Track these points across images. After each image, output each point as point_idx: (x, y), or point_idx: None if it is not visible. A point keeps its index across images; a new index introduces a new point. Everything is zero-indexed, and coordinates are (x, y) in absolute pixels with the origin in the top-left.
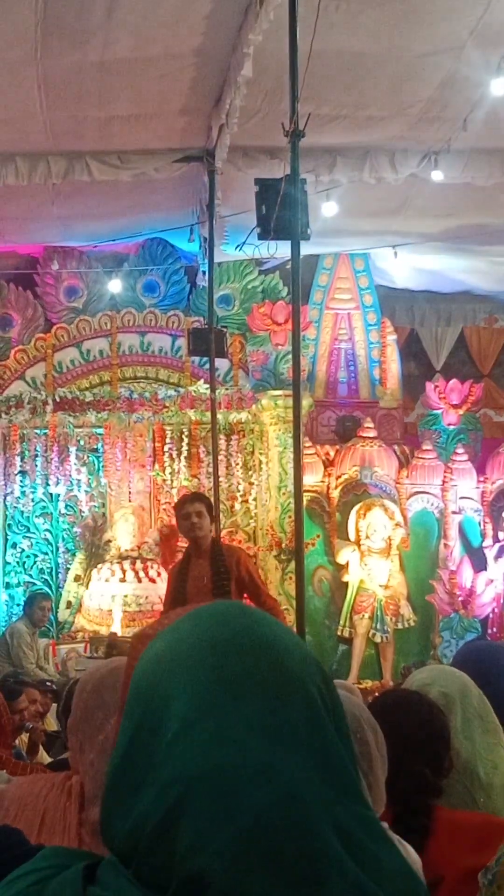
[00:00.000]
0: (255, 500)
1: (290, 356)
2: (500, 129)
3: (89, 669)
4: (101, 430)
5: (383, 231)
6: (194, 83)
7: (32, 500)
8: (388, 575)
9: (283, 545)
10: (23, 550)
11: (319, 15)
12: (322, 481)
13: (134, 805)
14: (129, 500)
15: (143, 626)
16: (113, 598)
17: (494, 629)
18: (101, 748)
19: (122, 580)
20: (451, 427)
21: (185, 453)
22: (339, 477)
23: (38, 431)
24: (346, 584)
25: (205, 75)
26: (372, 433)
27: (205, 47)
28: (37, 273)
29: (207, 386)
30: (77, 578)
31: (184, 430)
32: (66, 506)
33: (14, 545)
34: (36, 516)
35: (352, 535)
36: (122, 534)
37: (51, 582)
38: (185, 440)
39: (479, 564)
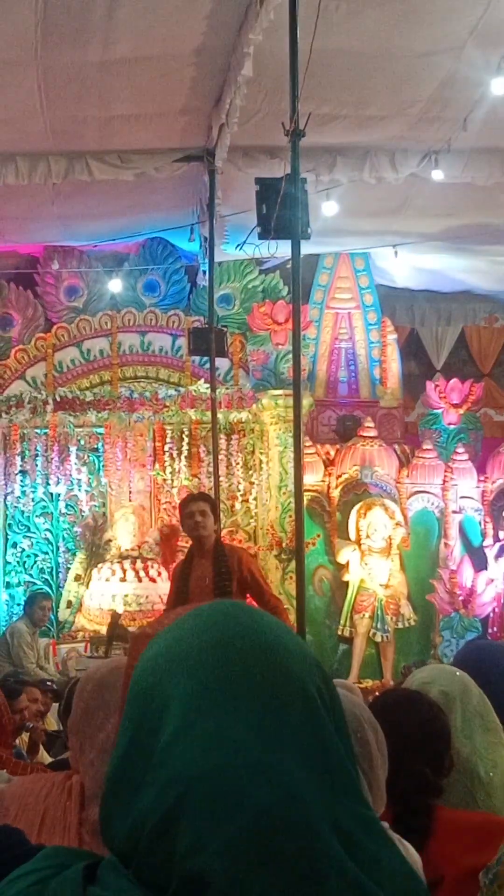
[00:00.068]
0: (255, 499)
1: (290, 355)
2: (501, 128)
3: (90, 669)
4: (101, 430)
5: (384, 231)
6: (194, 83)
7: (33, 500)
8: (388, 574)
9: (284, 545)
10: (23, 550)
11: (320, 14)
12: (322, 481)
13: (133, 805)
14: (130, 500)
15: (143, 626)
16: (113, 598)
17: (495, 629)
18: (101, 748)
19: (123, 580)
20: (452, 426)
21: (185, 453)
22: (340, 476)
23: (38, 431)
24: (347, 583)
25: (205, 75)
26: (372, 433)
27: (205, 47)
28: (37, 273)
29: (208, 385)
30: (77, 578)
31: (184, 429)
32: (67, 505)
33: (14, 545)
34: (36, 516)
35: (352, 535)
36: (123, 533)
37: (51, 581)
38: (186, 440)
39: (480, 564)
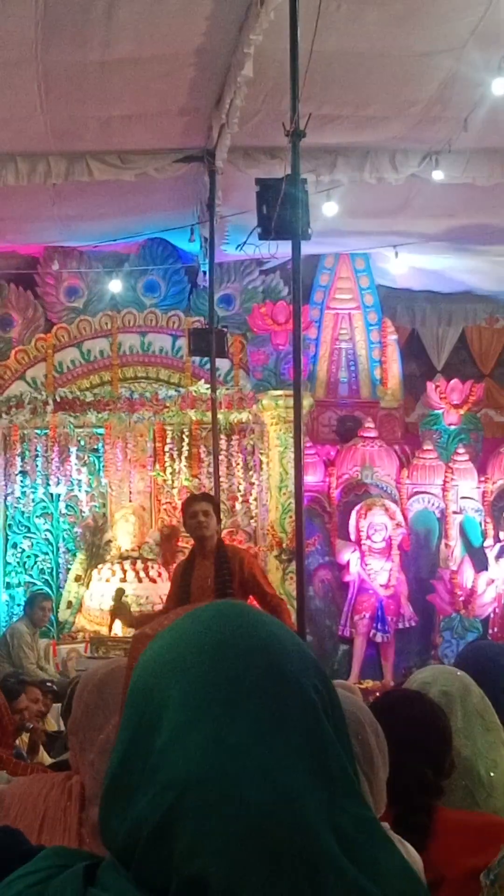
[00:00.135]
0: (255, 500)
1: (290, 356)
2: (501, 129)
3: (90, 669)
4: (101, 431)
5: (384, 231)
6: (195, 83)
7: (33, 501)
8: (388, 575)
9: (284, 545)
10: (23, 550)
11: (320, 15)
12: (323, 481)
13: (132, 806)
14: (130, 501)
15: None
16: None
17: (495, 629)
18: (101, 748)
19: (123, 580)
20: (452, 427)
21: (185, 453)
22: (340, 477)
23: (38, 432)
24: (347, 583)
25: (205, 75)
26: (373, 433)
27: (205, 47)
28: (37, 273)
29: (208, 386)
30: (77, 578)
31: (184, 430)
32: (67, 506)
33: (15, 545)
34: (36, 516)
35: (353, 535)
36: (123, 534)
37: (51, 582)
38: (186, 440)
39: (480, 564)
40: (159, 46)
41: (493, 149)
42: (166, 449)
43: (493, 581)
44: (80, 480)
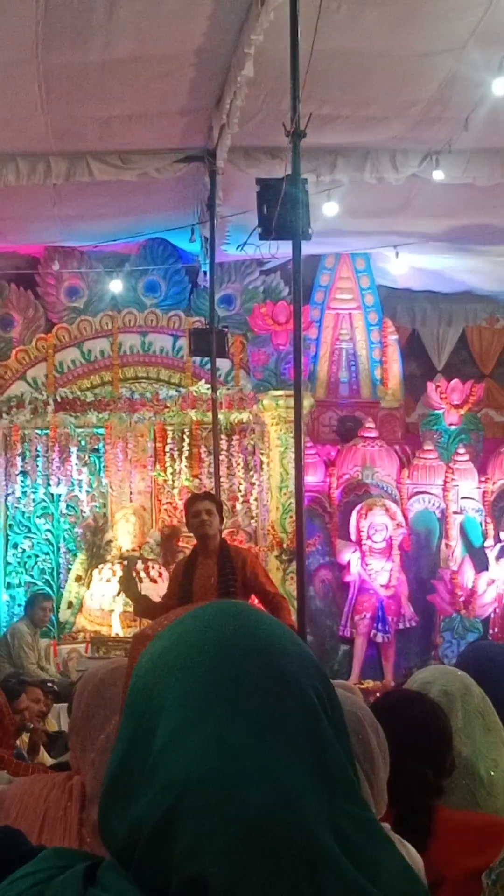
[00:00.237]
0: (256, 500)
1: (291, 356)
2: (502, 129)
3: (90, 669)
4: (102, 431)
5: (384, 231)
6: (195, 83)
7: (33, 501)
8: (389, 575)
9: (285, 545)
10: (24, 551)
11: (320, 15)
12: (323, 481)
13: (132, 806)
14: (131, 501)
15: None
16: (114, 599)
17: (496, 629)
18: (102, 748)
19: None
20: (453, 427)
21: (186, 453)
22: (341, 477)
23: (39, 432)
24: (348, 584)
25: (206, 75)
26: (373, 433)
27: (206, 47)
28: (38, 273)
29: (209, 386)
30: (78, 579)
31: (185, 430)
32: (68, 506)
33: (15, 545)
34: (37, 517)
35: (353, 535)
36: (124, 534)
37: (52, 582)
38: (187, 440)
39: (481, 564)
40: (160, 46)
41: (494, 149)
42: (167, 449)
43: (493, 581)
44: (80, 480)
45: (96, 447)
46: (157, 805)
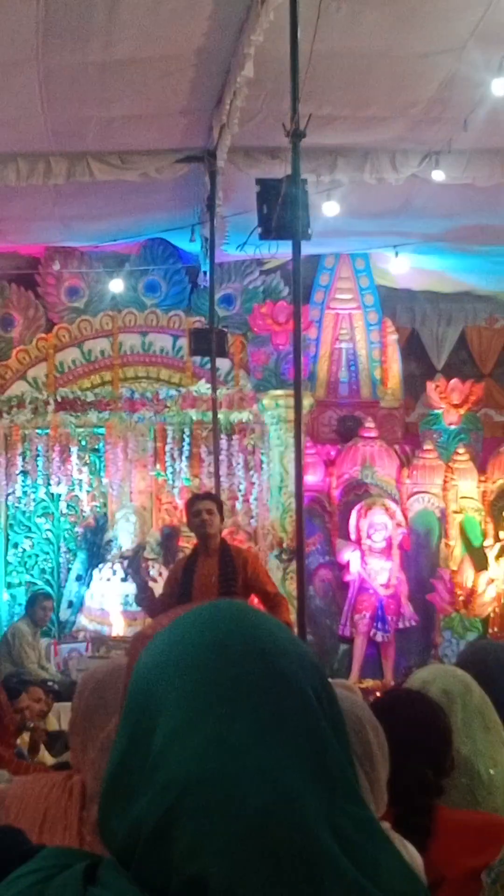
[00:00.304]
0: (256, 499)
1: (291, 356)
2: (502, 129)
3: (91, 669)
4: (102, 430)
5: (384, 231)
6: (195, 83)
7: (34, 500)
8: (389, 574)
9: (285, 545)
10: (24, 550)
11: (320, 15)
12: (323, 481)
13: (131, 806)
14: (131, 500)
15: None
16: (114, 598)
17: (495, 629)
18: (102, 747)
19: (124, 580)
20: (452, 427)
21: (186, 453)
22: (341, 477)
23: (39, 431)
24: (348, 583)
25: (206, 76)
26: (373, 433)
27: (206, 48)
28: (38, 273)
29: (209, 386)
30: (79, 578)
31: (185, 429)
32: (68, 506)
33: (16, 545)
34: (37, 516)
35: (353, 535)
36: (124, 533)
37: (52, 582)
38: (187, 440)
39: (481, 564)
40: (160, 47)
41: (494, 149)
42: (167, 449)
43: (492, 580)
44: (80, 480)
45: (96, 447)
46: (156, 805)
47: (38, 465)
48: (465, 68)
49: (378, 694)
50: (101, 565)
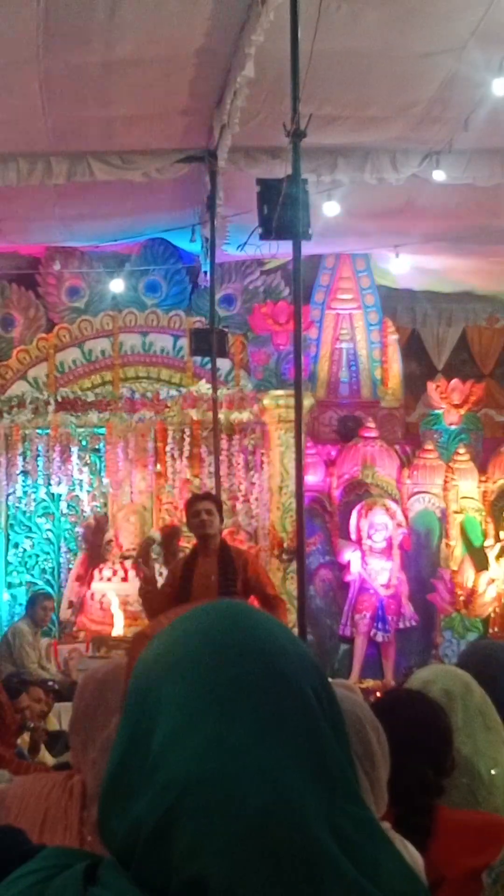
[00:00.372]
0: (256, 499)
1: (291, 356)
2: (502, 129)
3: (91, 669)
4: (102, 430)
5: (385, 231)
6: (196, 84)
7: (34, 500)
8: (389, 574)
9: (285, 545)
10: (25, 550)
11: (321, 15)
12: (324, 481)
13: (131, 807)
14: (131, 500)
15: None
16: (115, 598)
17: (496, 629)
18: (103, 747)
19: (124, 580)
20: (453, 427)
21: (186, 453)
22: (341, 477)
23: (39, 431)
24: (348, 583)
25: (206, 76)
26: (373, 433)
27: (206, 48)
28: (39, 273)
29: (209, 386)
30: (79, 578)
31: (185, 429)
32: (68, 506)
33: (16, 545)
34: (38, 516)
35: (353, 535)
36: (124, 533)
37: (53, 582)
38: (187, 440)
39: (481, 564)
40: (160, 47)
41: (494, 149)
42: (167, 449)
43: (493, 580)
44: (81, 480)
45: (97, 447)
46: (156, 805)
47: (38, 465)
48: (465, 68)
49: (378, 694)
50: (101, 565)
